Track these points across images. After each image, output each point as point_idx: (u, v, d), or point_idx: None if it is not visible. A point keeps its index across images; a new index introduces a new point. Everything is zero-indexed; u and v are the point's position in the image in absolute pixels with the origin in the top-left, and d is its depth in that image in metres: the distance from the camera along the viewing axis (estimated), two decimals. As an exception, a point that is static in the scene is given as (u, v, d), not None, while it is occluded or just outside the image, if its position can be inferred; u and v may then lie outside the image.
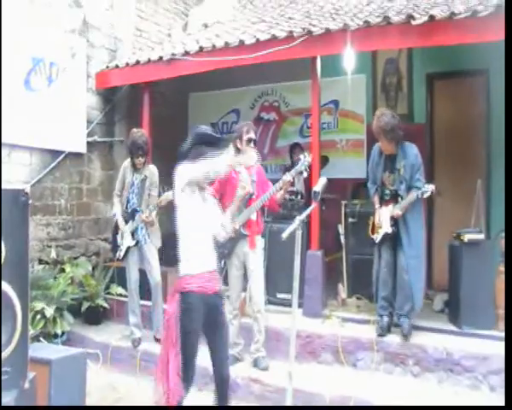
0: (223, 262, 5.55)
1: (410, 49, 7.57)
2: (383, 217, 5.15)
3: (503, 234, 5.23)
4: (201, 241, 3.69)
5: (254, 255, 5.19)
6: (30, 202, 3.10)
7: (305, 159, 4.91)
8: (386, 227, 5.14)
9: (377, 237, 5.23)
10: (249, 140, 5.18)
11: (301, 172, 4.90)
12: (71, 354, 3.97)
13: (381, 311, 5.26)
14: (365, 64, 7.64)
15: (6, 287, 2.96)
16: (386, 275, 5.23)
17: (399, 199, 5.12)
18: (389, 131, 5.04)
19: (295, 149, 7.48)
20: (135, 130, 5.94)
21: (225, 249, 5.16)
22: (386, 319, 5.21)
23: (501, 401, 4.26)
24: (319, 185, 3.48)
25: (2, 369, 2.98)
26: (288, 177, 4.98)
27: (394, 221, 5.11)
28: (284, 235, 3.31)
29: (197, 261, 3.63)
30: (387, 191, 5.24)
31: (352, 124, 7.79)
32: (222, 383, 3.73)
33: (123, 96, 7.85)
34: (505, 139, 3.67)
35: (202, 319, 3.55)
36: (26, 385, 3.08)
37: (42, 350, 3.97)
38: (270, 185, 5.25)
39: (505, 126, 3.70)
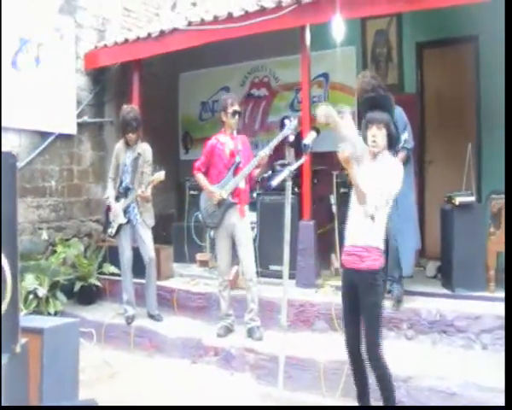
0: (212, 233, 5.62)
1: (399, 18, 7.53)
2: None
3: (494, 196, 5.26)
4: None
5: (243, 225, 5.22)
6: (18, 164, 3.09)
7: (290, 123, 4.97)
8: None
9: None
10: (234, 112, 5.25)
11: (287, 137, 4.94)
12: (63, 324, 3.94)
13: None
14: (355, 36, 7.60)
15: (-5, 250, 2.95)
16: None
17: None
18: (370, 91, 5.04)
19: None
20: (125, 106, 5.96)
21: (214, 219, 5.21)
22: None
23: (493, 359, 4.34)
24: (309, 138, 3.55)
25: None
26: (264, 152, 5.04)
27: None
28: (274, 183, 3.54)
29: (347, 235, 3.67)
30: None
31: (343, 96, 7.76)
32: (369, 362, 3.56)
33: (112, 77, 7.82)
34: (505, 122, 3.65)
35: (349, 294, 3.65)
36: (18, 349, 3.06)
37: (34, 321, 3.97)
38: (253, 156, 5.29)
39: (505, 110, 3.68)
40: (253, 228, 6.54)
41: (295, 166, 3.61)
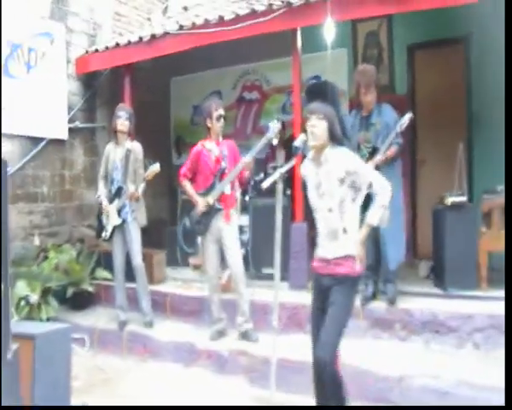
0: (199, 239, 5.64)
1: (389, 20, 7.55)
2: None
3: (485, 196, 5.29)
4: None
5: (229, 229, 5.22)
6: (9, 169, 3.11)
7: (274, 126, 4.95)
8: None
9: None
10: (219, 117, 5.25)
11: (271, 139, 4.95)
12: (55, 329, 3.92)
13: (365, 280, 5.24)
14: (346, 38, 7.62)
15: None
16: (368, 244, 5.19)
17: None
18: (375, 79, 5.18)
19: (277, 125, 7.45)
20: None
21: (201, 226, 5.22)
22: (370, 288, 5.24)
23: (485, 357, 4.41)
24: (299, 141, 3.43)
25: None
26: (247, 158, 5.08)
27: None
28: (264, 185, 3.45)
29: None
30: (364, 151, 5.16)
31: (335, 99, 7.77)
32: (314, 366, 3.39)
33: (104, 82, 7.81)
34: (505, 122, 3.65)
35: (319, 299, 3.44)
36: (9, 356, 3.06)
37: (26, 327, 3.96)
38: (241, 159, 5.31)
39: (505, 110, 3.68)
40: (245, 231, 6.57)
41: (286, 168, 3.57)
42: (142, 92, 7.88)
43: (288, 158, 6.90)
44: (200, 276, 6.54)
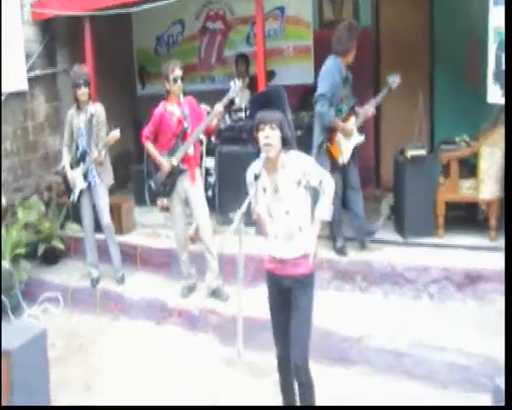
0: (165, 200, 5.71)
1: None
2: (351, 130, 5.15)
3: (444, 147, 5.40)
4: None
5: (195, 188, 5.29)
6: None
7: (235, 85, 5.07)
8: (356, 137, 5.21)
9: (345, 156, 5.23)
10: (175, 79, 5.19)
11: (233, 99, 4.94)
12: (30, 339, 3.81)
13: (334, 233, 5.39)
14: (310, -31, 7.40)
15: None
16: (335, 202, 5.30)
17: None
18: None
19: (239, 60, 7.34)
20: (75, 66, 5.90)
21: (166, 187, 5.29)
22: (340, 240, 5.36)
23: (438, 309, 4.71)
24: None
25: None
26: (219, 107, 5.10)
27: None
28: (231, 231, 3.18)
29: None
30: (345, 107, 5.24)
31: (299, 30, 7.66)
32: (294, 369, 3.34)
33: (63, 23, 7.42)
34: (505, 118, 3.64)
35: (280, 301, 3.44)
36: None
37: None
38: (203, 114, 5.35)
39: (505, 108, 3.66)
40: (211, 174, 6.64)
41: (245, 204, 3.16)
42: (103, 26, 7.51)
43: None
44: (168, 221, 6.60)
